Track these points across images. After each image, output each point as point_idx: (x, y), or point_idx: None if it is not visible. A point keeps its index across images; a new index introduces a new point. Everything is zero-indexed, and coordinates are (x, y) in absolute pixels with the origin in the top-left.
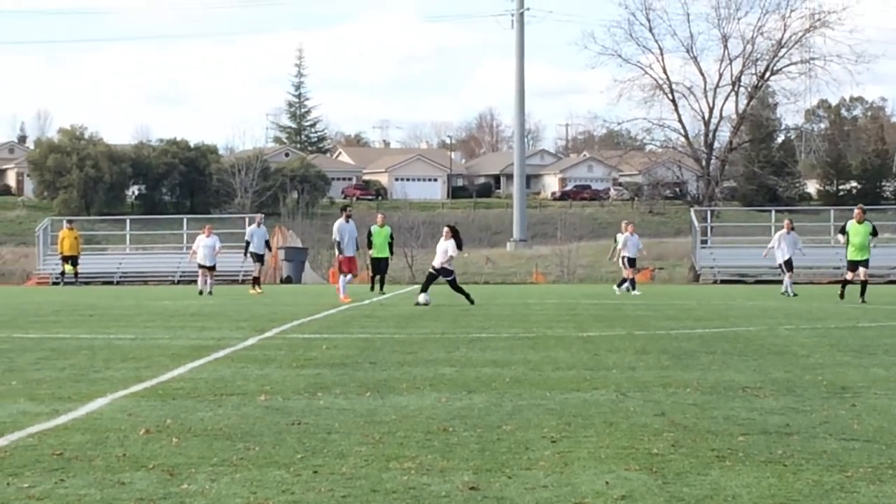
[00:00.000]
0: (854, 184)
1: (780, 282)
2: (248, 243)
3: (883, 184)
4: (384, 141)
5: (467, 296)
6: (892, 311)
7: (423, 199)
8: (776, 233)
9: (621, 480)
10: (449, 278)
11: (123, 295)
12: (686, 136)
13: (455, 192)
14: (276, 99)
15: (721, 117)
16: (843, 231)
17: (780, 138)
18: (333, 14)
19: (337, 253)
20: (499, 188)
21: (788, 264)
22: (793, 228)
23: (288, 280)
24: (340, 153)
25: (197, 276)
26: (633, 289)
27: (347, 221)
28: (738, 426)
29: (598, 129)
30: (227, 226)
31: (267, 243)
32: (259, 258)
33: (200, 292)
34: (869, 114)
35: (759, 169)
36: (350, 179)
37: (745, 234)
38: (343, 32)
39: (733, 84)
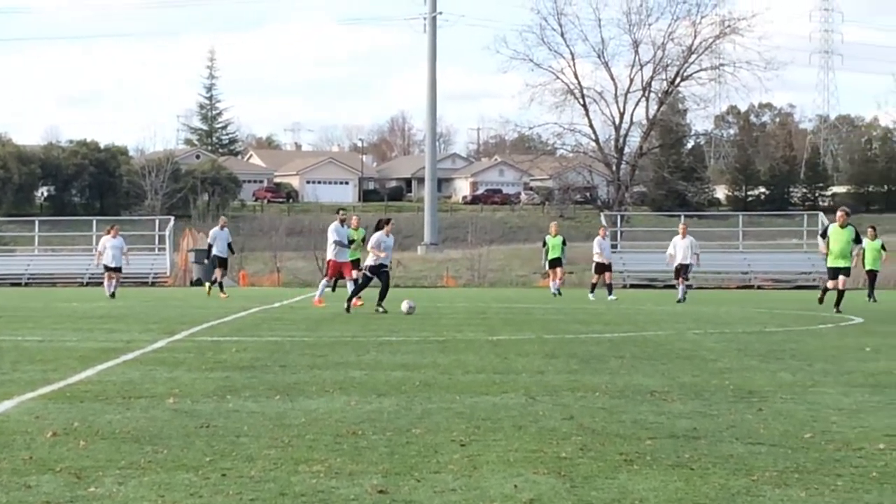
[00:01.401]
0: (762, 189)
1: (690, 287)
2: (210, 246)
3: (791, 190)
4: (296, 143)
5: (357, 293)
6: (799, 316)
7: (334, 202)
8: (673, 238)
9: (530, 484)
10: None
11: (31, 296)
12: (597, 141)
13: (366, 196)
14: (187, 101)
15: (631, 122)
16: (823, 235)
17: (690, 144)
18: (246, 16)
19: (332, 256)
20: (410, 192)
21: (681, 269)
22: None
23: (198, 282)
24: (252, 155)
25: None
26: (610, 294)
27: (343, 225)
28: (645, 430)
29: (510, 133)
30: (137, 228)
31: (230, 246)
32: (223, 262)
33: (112, 295)
34: (777, 120)
35: (668, 174)
36: (261, 182)
37: (654, 238)
38: (255, 35)
39: (644, 89)
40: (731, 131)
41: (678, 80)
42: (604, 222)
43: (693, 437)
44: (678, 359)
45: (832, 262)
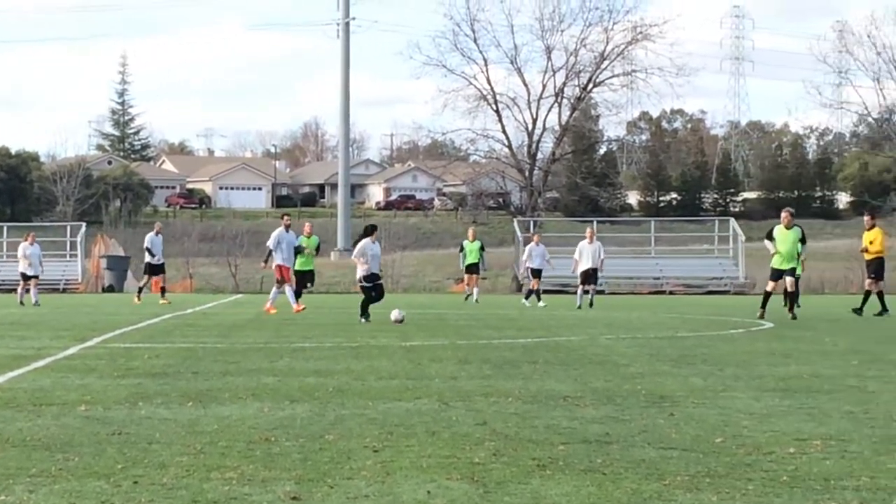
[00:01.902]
0: (674, 195)
1: (602, 292)
2: (148, 251)
3: (702, 195)
4: (209, 149)
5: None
6: (711, 321)
7: (247, 208)
8: (579, 243)
9: (443, 490)
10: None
11: None
12: (510, 147)
13: (280, 202)
14: (99, 106)
15: (544, 128)
16: (769, 237)
17: (603, 150)
18: (159, 22)
19: (271, 262)
20: (323, 197)
21: (587, 275)
22: (595, 239)
23: (110, 289)
24: (164, 161)
25: (17, 284)
26: (539, 300)
27: (287, 231)
28: (558, 435)
29: (423, 139)
30: (49, 234)
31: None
32: (158, 268)
33: (36, 303)
34: (689, 126)
35: (581, 180)
36: (174, 188)
37: (567, 244)
38: (168, 40)
39: (556, 95)
40: (644, 137)
41: (590, 86)
42: (519, 230)
43: (605, 441)
44: (591, 364)
45: (777, 264)
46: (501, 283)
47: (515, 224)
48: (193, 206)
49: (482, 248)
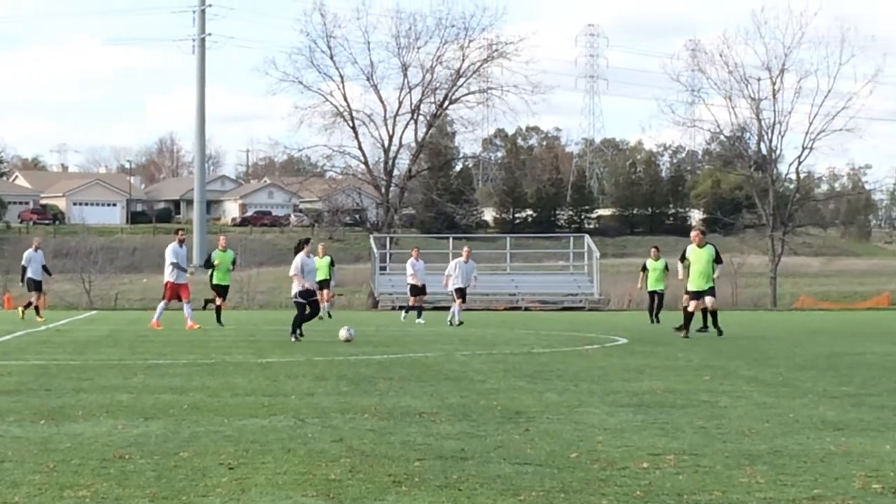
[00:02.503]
0: (530, 212)
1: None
2: (24, 269)
3: (557, 212)
4: (62, 165)
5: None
6: (566, 337)
7: (101, 224)
8: (453, 260)
9: None
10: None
11: None
12: (366, 164)
13: (135, 218)
14: None
15: (400, 145)
16: (682, 258)
17: (459, 166)
18: (10, 35)
19: (170, 277)
20: (179, 213)
21: (461, 292)
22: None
23: None
24: (17, 177)
25: None
26: (419, 317)
27: (181, 246)
28: (414, 451)
29: (279, 155)
30: None
31: (45, 268)
32: (37, 285)
33: None
34: (544, 143)
35: (437, 196)
36: (27, 203)
37: (423, 260)
38: (20, 54)
39: (413, 112)
40: (499, 154)
41: (447, 103)
42: (375, 246)
43: (461, 457)
44: (446, 380)
45: (694, 285)
46: (358, 299)
47: (372, 240)
48: (47, 222)
49: (332, 264)
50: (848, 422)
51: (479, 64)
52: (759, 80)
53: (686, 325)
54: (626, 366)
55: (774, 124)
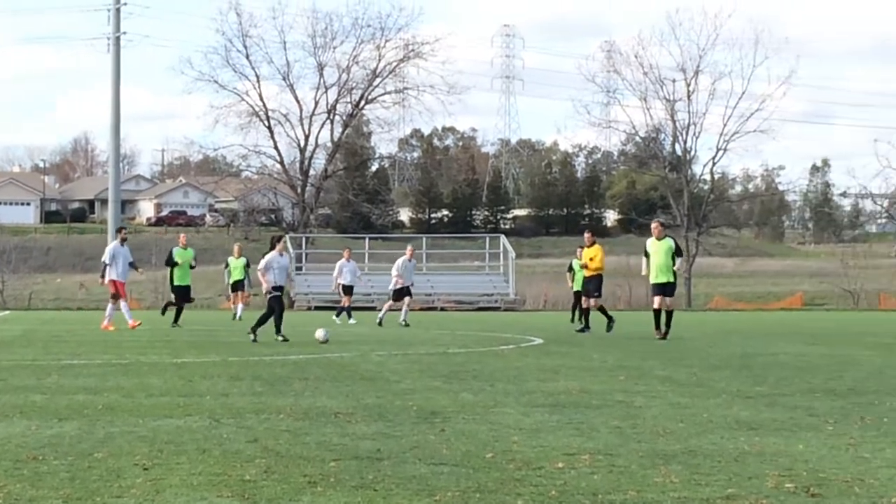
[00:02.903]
0: (446, 212)
1: (373, 308)
2: None
3: (473, 212)
4: None
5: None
6: (482, 338)
7: (15, 224)
8: (399, 259)
9: None
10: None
11: None
12: (282, 163)
13: (49, 217)
14: None
15: (317, 145)
16: (645, 254)
17: (375, 166)
18: None
19: (106, 277)
20: (94, 213)
21: (407, 292)
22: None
23: None
24: None
25: None
26: (350, 317)
27: (123, 244)
28: (330, 452)
29: (195, 154)
30: None
31: None
32: None
33: None
34: (460, 143)
35: (353, 196)
36: None
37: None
38: None
39: (329, 112)
40: (415, 154)
41: (363, 103)
42: (291, 246)
43: (377, 458)
44: (362, 380)
45: (654, 279)
46: None
47: (287, 240)
48: None
49: (247, 265)
50: (761, 422)
51: (395, 64)
52: (673, 81)
53: (657, 325)
54: (541, 366)
55: (689, 125)
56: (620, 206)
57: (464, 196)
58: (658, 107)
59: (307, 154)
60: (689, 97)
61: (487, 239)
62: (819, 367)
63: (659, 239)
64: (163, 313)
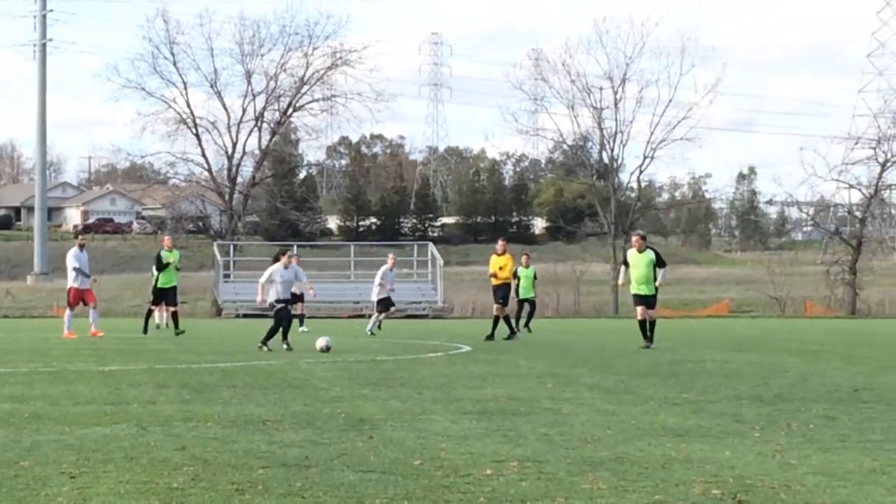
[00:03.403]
0: (374, 220)
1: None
2: None
3: (401, 220)
4: None
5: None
6: (410, 345)
7: None
8: (382, 267)
9: None
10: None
11: None
12: (209, 171)
13: None
14: None
15: (244, 152)
16: (624, 263)
17: (303, 174)
18: None
19: (73, 283)
20: (20, 220)
21: (389, 302)
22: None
23: None
24: None
25: None
26: (301, 325)
27: (82, 250)
28: (258, 459)
29: (122, 162)
30: None
31: None
32: None
33: None
34: (388, 151)
35: (281, 204)
36: None
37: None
38: None
39: (256, 120)
40: (343, 162)
41: (290, 110)
42: (219, 254)
43: (305, 465)
44: (290, 388)
45: (634, 290)
46: (201, 307)
47: (215, 248)
48: None
49: (177, 270)
50: (688, 428)
51: (323, 72)
52: (601, 89)
53: (644, 334)
54: (469, 373)
55: (616, 133)
56: (548, 214)
57: (392, 204)
58: (585, 115)
59: (235, 161)
60: (616, 105)
61: (415, 246)
62: (745, 374)
63: (640, 251)
64: (145, 331)
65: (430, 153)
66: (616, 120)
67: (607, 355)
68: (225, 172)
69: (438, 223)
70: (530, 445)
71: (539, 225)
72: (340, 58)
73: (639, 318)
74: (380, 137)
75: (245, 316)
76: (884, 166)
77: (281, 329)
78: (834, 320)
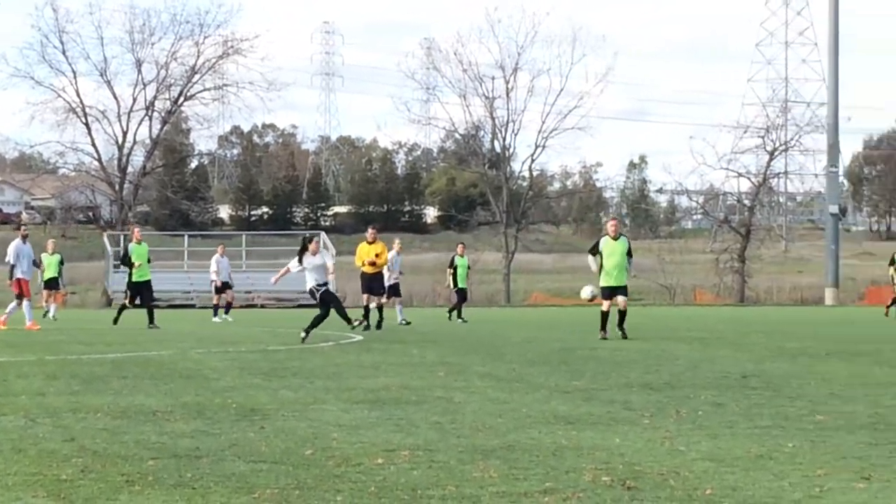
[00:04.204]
0: (266, 209)
1: (193, 306)
2: None
3: (294, 209)
4: None
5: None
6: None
7: None
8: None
9: None
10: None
11: None
12: (99, 160)
13: None
14: None
15: (135, 142)
16: (594, 251)
17: (194, 163)
18: None
19: (18, 275)
20: None
21: (397, 289)
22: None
23: None
24: None
25: None
26: (226, 313)
27: (24, 242)
28: (148, 450)
29: (10, 151)
30: None
31: None
32: None
33: None
34: (280, 140)
35: (172, 194)
36: None
37: (158, 258)
38: None
39: (147, 109)
40: (235, 151)
41: (182, 99)
42: (109, 244)
43: (195, 456)
44: (181, 378)
45: (606, 281)
46: (91, 297)
47: (105, 238)
48: None
49: (62, 262)
50: (579, 416)
51: (214, 60)
52: (493, 78)
53: (603, 325)
54: (361, 362)
55: (508, 122)
56: (440, 203)
57: (284, 193)
58: (477, 104)
59: (125, 151)
60: (507, 94)
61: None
62: (636, 361)
63: (615, 238)
64: (115, 321)
65: (322, 142)
66: (508, 109)
67: (499, 344)
68: (115, 162)
69: (331, 212)
70: (422, 434)
71: (431, 214)
72: (232, 47)
73: (605, 308)
74: (272, 127)
75: (137, 306)
76: (772, 155)
77: (337, 312)
78: (723, 308)
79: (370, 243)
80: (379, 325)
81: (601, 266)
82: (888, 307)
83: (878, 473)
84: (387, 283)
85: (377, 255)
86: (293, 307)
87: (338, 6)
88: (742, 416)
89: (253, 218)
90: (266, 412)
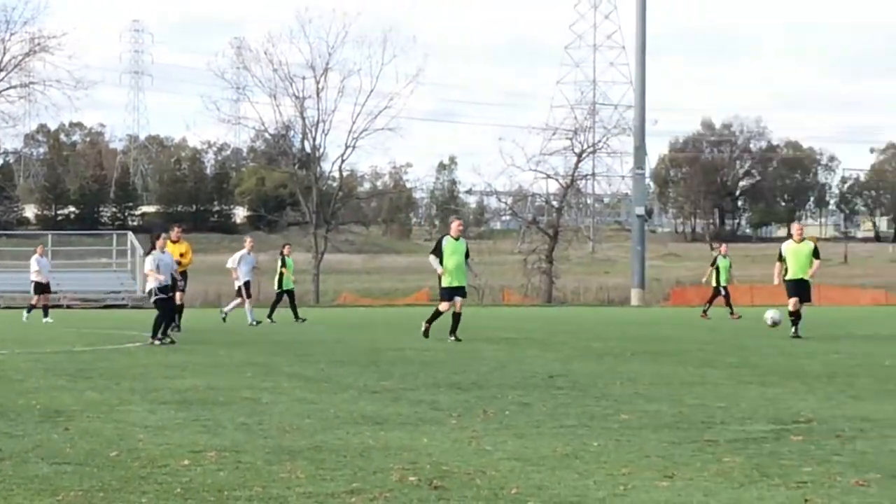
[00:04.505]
0: (73, 209)
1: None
2: None
3: (101, 209)
4: None
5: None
6: (109, 335)
7: None
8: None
9: None
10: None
11: None
12: None
13: None
14: None
15: None
16: (436, 251)
17: (0, 162)
18: None
19: None
20: None
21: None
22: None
23: None
24: None
25: None
26: (45, 316)
27: None
28: None
29: None
30: None
31: None
32: None
33: None
34: (88, 139)
35: None
36: None
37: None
38: None
39: None
40: (42, 150)
41: None
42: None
43: None
44: None
45: (448, 282)
46: None
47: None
48: None
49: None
50: (387, 416)
51: (20, 58)
52: (303, 78)
53: (430, 321)
54: (168, 363)
55: (318, 122)
56: (249, 203)
57: (91, 192)
58: (288, 104)
59: None
60: (318, 94)
61: (115, 236)
62: (444, 361)
63: (456, 238)
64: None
65: (130, 141)
66: (318, 109)
67: (307, 344)
68: None
69: (139, 212)
70: (228, 435)
71: (240, 214)
72: (39, 44)
73: (443, 309)
74: (79, 125)
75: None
76: (580, 157)
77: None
78: (531, 308)
79: (174, 242)
80: (177, 326)
81: (443, 270)
82: (706, 309)
83: (681, 472)
84: (236, 284)
85: (182, 255)
86: (100, 307)
87: (148, 5)
88: (548, 416)
89: (60, 217)
90: (71, 413)
